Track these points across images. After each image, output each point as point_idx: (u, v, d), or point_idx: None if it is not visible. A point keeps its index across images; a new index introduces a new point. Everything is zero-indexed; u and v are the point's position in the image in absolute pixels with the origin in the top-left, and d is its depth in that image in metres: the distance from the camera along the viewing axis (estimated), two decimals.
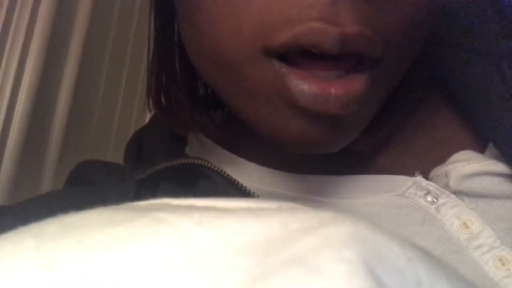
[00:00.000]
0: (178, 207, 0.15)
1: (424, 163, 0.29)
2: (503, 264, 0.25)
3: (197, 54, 0.25)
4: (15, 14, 0.75)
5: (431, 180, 0.28)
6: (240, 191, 0.27)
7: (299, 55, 0.21)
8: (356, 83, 0.21)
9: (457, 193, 0.27)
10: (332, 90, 0.20)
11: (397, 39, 0.22)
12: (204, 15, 0.22)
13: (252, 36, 0.21)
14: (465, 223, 0.26)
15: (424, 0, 0.22)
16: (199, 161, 0.29)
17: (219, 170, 0.28)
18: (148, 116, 0.37)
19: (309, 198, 0.29)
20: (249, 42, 0.21)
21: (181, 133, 0.34)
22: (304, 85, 0.21)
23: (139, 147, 0.34)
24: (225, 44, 0.22)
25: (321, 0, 0.19)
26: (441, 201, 0.27)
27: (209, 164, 0.28)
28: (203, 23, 0.22)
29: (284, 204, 0.15)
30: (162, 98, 0.32)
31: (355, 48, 0.20)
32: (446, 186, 0.27)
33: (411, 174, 0.28)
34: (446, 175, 0.27)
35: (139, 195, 0.30)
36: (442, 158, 0.28)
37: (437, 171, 0.28)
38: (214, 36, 0.22)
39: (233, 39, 0.21)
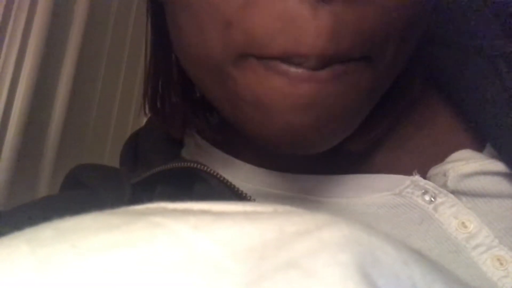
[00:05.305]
0: (174, 211, 0.15)
1: (422, 162, 0.29)
2: (501, 263, 0.25)
3: (184, 58, 0.25)
4: (12, 17, 0.75)
5: (429, 179, 0.28)
6: (236, 195, 0.27)
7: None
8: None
9: (455, 192, 0.27)
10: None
11: (385, 42, 0.21)
12: (189, 19, 0.22)
13: (235, 42, 0.21)
14: (463, 223, 0.26)
15: (408, 4, 0.21)
16: (195, 165, 0.29)
17: (215, 174, 0.28)
18: (144, 120, 0.37)
19: (306, 198, 0.29)
20: (231, 47, 0.21)
21: (177, 136, 0.34)
22: (290, 67, 0.20)
23: (135, 150, 0.34)
24: (209, 49, 0.22)
25: (302, 14, 0.19)
26: (439, 200, 0.27)
27: (205, 168, 0.28)
28: (189, 27, 0.22)
29: (280, 207, 0.15)
30: (158, 102, 0.32)
31: (336, 61, 0.20)
32: (444, 186, 0.27)
33: (408, 173, 0.28)
34: (444, 175, 0.27)
35: (135, 198, 0.30)
36: (440, 157, 0.28)
37: (435, 170, 0.28)
38: (199, 41, 0.22)
39: (216, 44, 0.21)
